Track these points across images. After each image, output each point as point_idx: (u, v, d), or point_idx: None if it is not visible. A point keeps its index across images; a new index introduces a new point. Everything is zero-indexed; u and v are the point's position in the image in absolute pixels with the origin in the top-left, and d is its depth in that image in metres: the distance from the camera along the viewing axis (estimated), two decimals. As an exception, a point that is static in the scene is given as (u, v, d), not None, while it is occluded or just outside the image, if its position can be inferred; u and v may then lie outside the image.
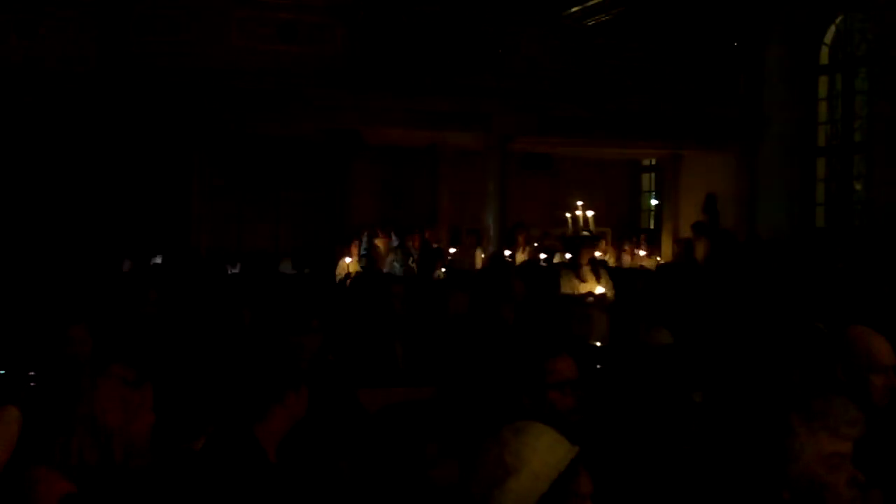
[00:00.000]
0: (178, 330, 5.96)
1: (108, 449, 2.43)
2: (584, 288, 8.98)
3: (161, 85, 12.47)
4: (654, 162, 19.10)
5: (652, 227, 18.74)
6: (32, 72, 12.14)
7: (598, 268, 9.39)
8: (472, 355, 5.21)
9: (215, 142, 14.27)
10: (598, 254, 15.12)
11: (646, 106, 14.84)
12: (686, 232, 15.24)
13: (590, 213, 10.43)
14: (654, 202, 19.22)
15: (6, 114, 12.52)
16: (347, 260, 12.28)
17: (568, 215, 11.49)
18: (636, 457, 3.44)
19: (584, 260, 9.30)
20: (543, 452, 2.18)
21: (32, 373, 4.64)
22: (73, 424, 2.41)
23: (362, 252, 12.95)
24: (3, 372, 4.86)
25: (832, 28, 15.28)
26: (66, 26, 12.39)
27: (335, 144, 15.29)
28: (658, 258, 15.05)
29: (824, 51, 15.40)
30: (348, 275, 11.57)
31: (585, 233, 10.04)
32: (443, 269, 11.59)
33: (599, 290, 8.96)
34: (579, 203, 10.87)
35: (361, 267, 12.05)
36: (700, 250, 13.64)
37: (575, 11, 15.67)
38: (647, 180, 19.68)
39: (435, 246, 13.48)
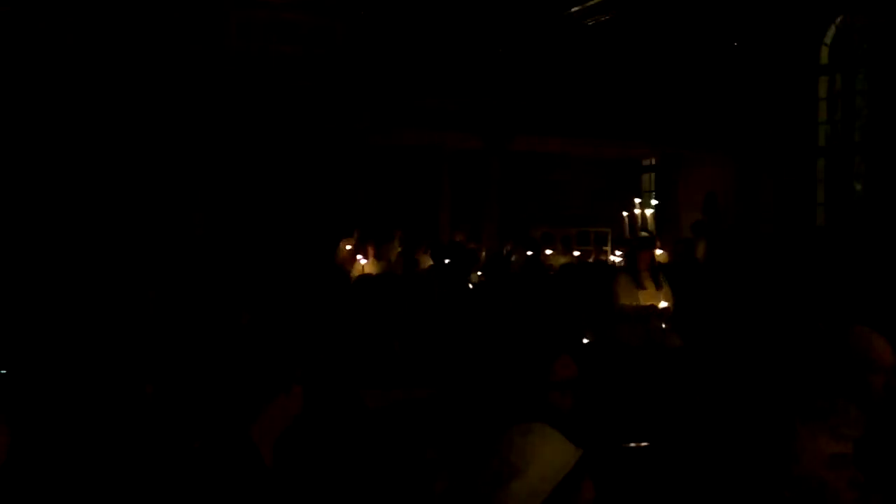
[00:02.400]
0: (177, 329, 5.95)
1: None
2: (643, 296, 8.00)
3: (161, 85, 12.47)
4: (654, 162, 19.10)
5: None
6: (32, 71, 12.15)
7: (658, 273, 8.26)
8: (472, 355, 5.21)
9: (215, 142, 14.26)
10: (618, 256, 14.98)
11: (646, 106, 14.84)
12: (686, 232, 15.24)
13: (648, 212, 9.04)
14: (654, 202, 19.21)
15: (6, 112, 12.55)
16: (363, 261, 11.98)
17: (625, 214, 10.03)
18: (640, 457, 3.44)
19: (644, 265, 8.17)
20: (549, 455, 2.17)
21: (33, 373, 4.63)
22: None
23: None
24: (3, 371, 4.85)
25: (832, 28, 15.29)
26: (66, 25, 12.41)
27: (335, 144, 15.28)
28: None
29: (824, 51, 15.41)
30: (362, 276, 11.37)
31: (644, 233, 8.67)
32: (479, 273, 10.64)
33: (663, 304, 7.96)
34: (636, 200, 9.48)
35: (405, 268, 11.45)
36: (700, 250, 13.65)
37: (575, 11, 15.67)
38: (647, 180, 19.68)
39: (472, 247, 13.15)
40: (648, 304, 7.87)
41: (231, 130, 14.21)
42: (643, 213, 9.00)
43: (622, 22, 15.68)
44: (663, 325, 7.74)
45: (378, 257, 12.38)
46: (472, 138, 14.89)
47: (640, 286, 8.00)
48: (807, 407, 2.37)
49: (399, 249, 13.21)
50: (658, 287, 8.06)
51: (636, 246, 8.35)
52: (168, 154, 14.77)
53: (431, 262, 11.82)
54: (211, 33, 12.77)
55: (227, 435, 2.95)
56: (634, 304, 7.91)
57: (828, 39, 15.34)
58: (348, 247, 12.80)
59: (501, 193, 15.21)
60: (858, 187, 15.09)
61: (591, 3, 15.62)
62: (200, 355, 4.65)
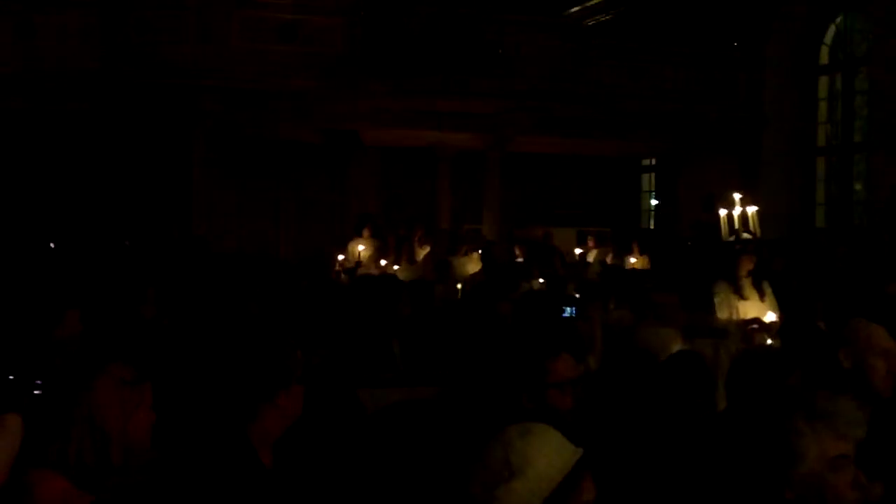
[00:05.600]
0: (177, 328, 5.94)
1: (106, 449, 2.41)
2: (745, 308, 7.04)
3: (161, 85, 12.47)
4: (654, 162, 19.11)
5: (652, 227, 18.75)
6: (32, 71, 12.15)
7: (761, 282, 7.22)
8: (472, 355, 5.20)
9: (215, 143, 14.26)
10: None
11: (645, 106, 14.84)
12: (686, 232, 15.23)
13: (751, 209, 8.00)
14: (654, 202, 19.22)
15: (6, 111, 12.56)
16: (395, 267, 11.32)
17: (722, 213, 8.73)
18: (637, 457, 3.43)
19: (744, 271, 7.16)
20: (549, 455, 2.16)
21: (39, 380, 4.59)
22: (71, 425, 2.40)
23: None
24: (11, 377, 4.82)
25: (832, 28, 15.29)
26: (66, 26, 12.40)
27: (334, 145, 15.27)
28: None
29: (824, 51, 15.40)
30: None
31: (746, 235, 7.65)
32: (540, 280, 9.76)
33: (770, 317, 6.93)
34: (737, 196, 8.24)
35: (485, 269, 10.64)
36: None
37: (575, 11, 15.66)
38: (647, 180, 19.69)
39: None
40: (752, 316, 6.98)
41: (229, 130, 14.21)
42: (744, 212, 7.98)
43: (622, 22, 15.67)
44: (769, 341, 6.80)
45: (410, 261, 11.76)
46: (471, 138, 14.89)
47: (742, 296, 7.11)
48: (809, 406, 2.36)
49: (427, 252, 12.43)
50: (762, 297, 7.17)
51: (738, 250, 7.47)
52: (168, 155, 14.77)
53: (480, 266, 11.11)
54: (211, 33, 12.75)
55: (224, 435, 2.93)
56: (734, 315, 7.03)
57: (828, 39, 15.33)
58: (360, 247, 12.22)
59: (501, 193, 15.18)
60: (858, 187, 15.08)
61: (591, 3, 15.61)
62: (199, 354, 4.63)
